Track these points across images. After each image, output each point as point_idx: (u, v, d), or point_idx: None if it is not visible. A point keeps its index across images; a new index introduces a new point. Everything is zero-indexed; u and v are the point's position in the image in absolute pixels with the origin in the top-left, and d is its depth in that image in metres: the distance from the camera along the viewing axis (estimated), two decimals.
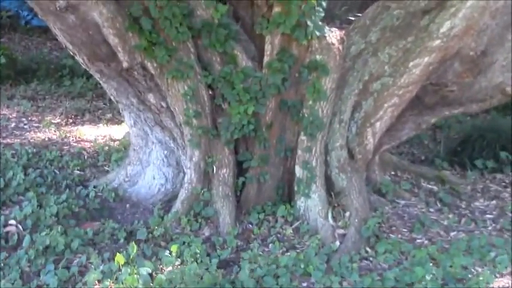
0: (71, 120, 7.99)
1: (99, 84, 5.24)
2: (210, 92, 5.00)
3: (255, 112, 4.84)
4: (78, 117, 8.15)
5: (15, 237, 4.51)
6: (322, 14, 4.74)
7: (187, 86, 4.81)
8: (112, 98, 5.33)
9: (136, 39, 4.67)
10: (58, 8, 4.40)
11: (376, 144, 5.08)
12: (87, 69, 5.04)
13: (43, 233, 4.47)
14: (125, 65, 4.72)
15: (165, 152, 5.37)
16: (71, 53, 4.95)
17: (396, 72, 4.84)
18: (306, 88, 4.84)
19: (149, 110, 5.16)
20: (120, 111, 5.58)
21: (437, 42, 4.63)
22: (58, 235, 4.43)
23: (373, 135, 5.00)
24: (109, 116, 8.25)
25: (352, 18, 5.31)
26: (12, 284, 4.00)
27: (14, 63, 9.95)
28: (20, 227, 4.62)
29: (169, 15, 4.65)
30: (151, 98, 5.05)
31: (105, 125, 7.88)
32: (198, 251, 4.36)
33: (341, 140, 4.99)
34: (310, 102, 4.84)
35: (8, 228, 4.59)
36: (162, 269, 4.20)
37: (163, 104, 5.06)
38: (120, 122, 7.83)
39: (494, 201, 5.62)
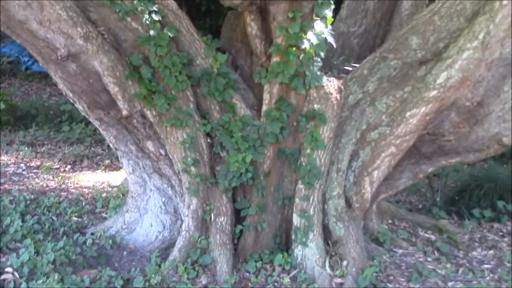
0: (69, 166, 8.00)
1: (98, 130, 5.27)
2: (209, 140, 5.02)
3: (253, 160, 4.86)
4: (77, 163, 8.17)
5: (12, 285, 4.48)
6: (320, 64, 4.81)
7: (186, 134, 4.85)
8: (111, 145, 5.36)
9: (136, 87, 4.72)
10: (59, 57, 4.46)
11: (373, 193, 5.09)
12: (87, 117, 5.08)
13: (40, 281, 4.45)
14: (125, 113, 4.76)
15: (163, 199, 5.37)
16: (71, 101, 5.00)
17: (393, 121, 4.88)
18: (304, 137, 4.88)
19: (148, 158, 5.18)
20: (119, 158, 5.59)
21: (434, 92, 4.68)
22: (55, 283, 4.41)
23: (370, 184, 5.01)
24: (107, 162, 8.27)
25: (350, 68, 5.37)
26: None
27: (14, 108, 10.01)
28: (17, 274, 4.59)
29: (169, 64, 4.71)
30: (150, 145, 5.08)
31: (104, 171, 7.90)
32: None
33: (338, 188, 5.01)
34: (308, 151, 4.87)
35: (4, 276, 4.56)
36: None
37: (162, 152, 5.08)
38: (118, 168, 7.85)
39: (492, 251, 5.61)
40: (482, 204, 6.50)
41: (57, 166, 7.94)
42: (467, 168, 7.91)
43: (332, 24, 4.84)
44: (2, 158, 8.08)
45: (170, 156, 5.02)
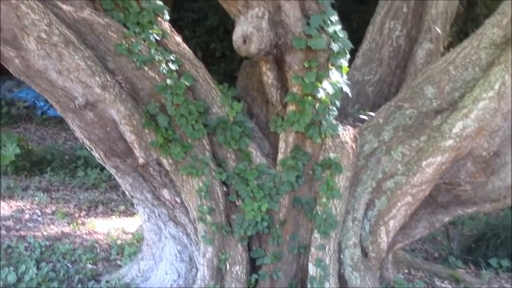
0: (84, 212, 8.01)
1: (113, 175, 5.30)
2: (224, 189, 5.03)
3: (269, 209, 4.86)
4: (92, 209, 8.18)
5: None
6: (336, 113, 4.82)
7: (201, 183, 4.86)
8: (127, 192, 5.37)
9: (152, 136, 4.75)
10: (77, 106, 4.50)
11: (389, 242, 5.06)
12: (103, 165, 5.11)
13: None
14: (141, 161, 4.79)
15: (178, 247, 5.36)
16: (88, 148, 5.03)
17: (409, 171, 4.87)
18: (320, 186, 4.88)
19: (163, 206, 5.19)
20: (134, 205, 5.61)
21: (450, 142, 4.68)
22: None
23: (386, 234, 4.98)
24: (122, 208, 8.27)
25: (365, 117, 5.38)
26: None
27: (30, 153, 10.07)
28: None
29: (186, 112, 4.75)
30: (166, 193, 5.09)
31: (118, 217, 7.90)
32: None
33: (354, 238, 4.98)
34: (324, 200, 4.86)
35: None
36: None
37: (178, 200, 5.09)
38: (133, 214, 7.86)
39: None
40: (500, 253, 6.43)
41: (72, 212, 7.95)
42: (483, 216, 7.85)
43: (347, 73, 4.87)
44: (18, 203, 8.11)
45: (186, 205, 5.02)
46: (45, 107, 13.29)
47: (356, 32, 10.78)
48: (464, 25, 9.42)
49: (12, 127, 12.57)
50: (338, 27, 4.67)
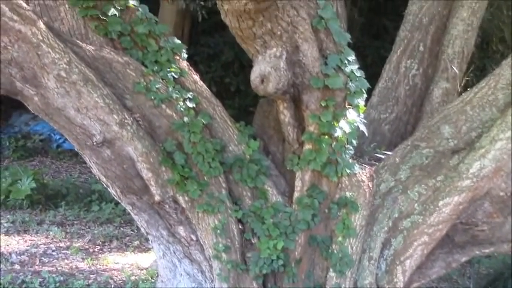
0: (98, 247, 8.03)
1: (127, 209, 5.31)
2: (240, 227, 5.02)
3: (285, 247, 4.84)
4: (106, 244, 8.20)
5: None
6: (352, 152, 4.83)
7: (217, 220, 4.85)
8: (142, 229, 5.36)
9: (169, 173, 4.76)
10: (95, 143, 4.53)
11: (405, 282, 5.01)
12: (119, 201, 5.12)
13: None
14: (157, 198, 4.79)
15: (193, 284, 5.34)
16: (104, 185, 5.05)
17: (426, 210, 4.85)
18: (336, 224, 4.86)
19: (179, 243, 5.18)
20: (149, 242, 5.60)
21: (467, 182, 4.66)
22: None
23: (403, 273, 4.95)
24: (136, 243, 8.29)
25: (381, 156, 5.38)
26: None
27: (45, 187, 10.13)
28: None
29: (202, 150, 4.76)
30: (181, 231, 5.08)
31: (133, 252, 7.91)
32: None
33: (370, 277, 4.94)
34: (340, 239, 4.84)
35: None
36: None
37: (193, 237, 5.08)
38: (147, 250, 7.86)
39: None
40: None
41: (87, 247, 7.97)
42: (500, 254, 7.78)
43: (364, 111, 4.88)
44: (33, 238, 8.13)
45: (201, 242, 5.01)
46: (61, 140, 13.38)
47: (371, 67, 10.88)
48: (481, 62, 9.43)
49: (28, 160, 12.67)
50: (355, 67, 4.70)
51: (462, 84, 6.11)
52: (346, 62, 4.67)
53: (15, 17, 4.17)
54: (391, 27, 12.90)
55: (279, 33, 4.40)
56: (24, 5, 4.31)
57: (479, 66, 9.39)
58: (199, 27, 14.19)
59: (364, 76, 4.74)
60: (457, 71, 5.79)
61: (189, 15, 13.17)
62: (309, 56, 4.53)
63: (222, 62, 13.64)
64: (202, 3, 11.19)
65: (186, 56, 5.00)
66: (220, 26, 4.13)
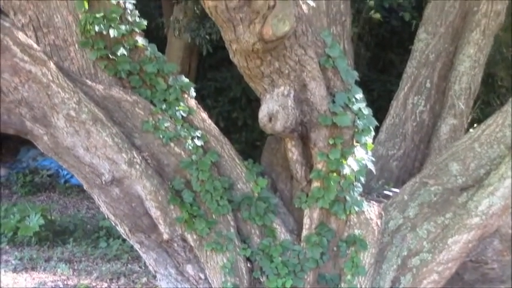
0: (106, 284, 8.00)
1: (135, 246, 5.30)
2: (249, 265, 5.00)
3: (293, 286, 4.82)
4: (113, 281, 8.17)
5: None
6: (361, 189, 4.83)
7: (226, 259, 4.84)
8: (150, 268, 5.35)
9: (177, 211, 4.76)
10: (104, 182, 4.55)
11: None
12: (128, 240, 5.12)
13: None
14: (166, 236, 4.79)
15: None
16: (113, 224, 5.05)
17: (435, 248, 4.83)
18: (345, 262, 4.84)
19: (187, 281, 5.16)
20: (158, 280, 5.58)
21: (476, 220, 4.65)
22: None
23: None
24: (144, 280, 8.25)
25: (389, 193, 5.37)
26: None
27: (52, 224, 10.12)
28: None
29: (211, 188, 4.77)
30: (189, 269, 5.07)
31: None
32: None
33: None
34: (349, 277, 4.82)
35: None
36: None
37: (202, 276, 5.06)
38: (154, 287, 7.82)
39: None
40: None
41: (94, 284, 7.94)
42: None
43: (372, 149, 4.89)
44: (40, 275, 8.12)
45: (210, 281, 4.99)
46: (68, 176, 13.39)
47: (377, 101, 10.91)
48: (486, 97, 9.45)
49: (35, 196, 12.67)
50: (363, 105, 4.72)
51: (469, 120, 6.12)
52: (353, 99, 4.69)
53: (26, 58, 4.22)
54: (397, 61, 12.94)
55: (286, 71, 4.43)
56: (35, 45, 4.36)
57: (484, 100, 9.40)
58: (206, 62, 14.26)
59: (371, 114, 4.76)
60: (464, 108, 5.80)
61: (196, 50, 13.26)
62: (317, 94, 4.56)
63: (229, 96, 13.68)
64: (207, 37, 11.27)
65: (194, 94, 5.03)
66: (228, 60, 4.19)
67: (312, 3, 4.59)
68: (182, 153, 4.79)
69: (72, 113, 4.35)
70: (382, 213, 4.94)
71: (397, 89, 6.34)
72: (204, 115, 5.03)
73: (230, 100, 13.68)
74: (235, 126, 13.51)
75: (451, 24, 6.03)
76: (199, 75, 14.23)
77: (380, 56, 13.63)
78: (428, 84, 6.05)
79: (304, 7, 4.47)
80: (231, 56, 4.39)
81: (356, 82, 4.77)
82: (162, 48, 13.03)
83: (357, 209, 4.78)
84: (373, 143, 4.94)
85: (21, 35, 4.29)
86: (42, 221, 9.56)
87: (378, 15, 9.82)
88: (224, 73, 13.91)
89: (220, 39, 4.23)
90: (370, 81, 12.47)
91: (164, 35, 13.36)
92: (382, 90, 12.33)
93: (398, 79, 6.46)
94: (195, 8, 10.92)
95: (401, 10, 10.25)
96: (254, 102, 4.43)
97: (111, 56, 4.71)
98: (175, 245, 4.93)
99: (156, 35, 13.40)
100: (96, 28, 4.58)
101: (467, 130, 6.10)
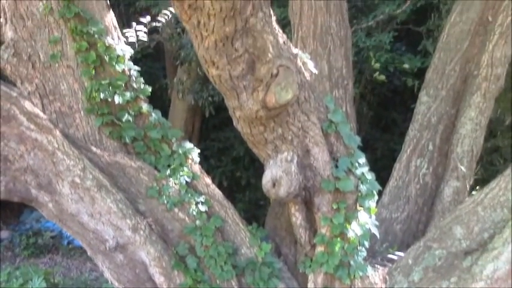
0: None
1: None
2: None
3: None
4: None
5: None
6: (365, 254, 4.82)
7: None
8: None
9: (181, 277, 4.74)
10: (108, 248, 4.55)
11: None
12: None
13: None
14: None
15: None
16: None
17: None
18: None
19: None
20: None
21: (481, 284, 4.62)
22: None
23: None
24: None
25: (393, 256, 5.36)
26: None
27: (56, 287, 10.07)
28: None
29: (215, 254, 4.77)
30: None
31: None
32: None
33: None
34: None
35: None
36: None
37: None
38: None
39: None
40: None
41: None
42: None
43: (375, 213, 4.90)
44: None
45: None
46: (71, 237, 13.35)
47: (380, 160, 10.94)
48: (489, 156, 9.48)
49: (38, 258, 12.62)
50: (366, 169, 4.75)
51: (473, 183, 6.15)
52: (356, 164, 4.72)
53: (32, 126, 4.28)
54: (399, 120, 13.03)
55: (290, 137, 4.47)
56: (41, 114, 4.43)
57: (487, 160, 9.42)
58: (209, 122, 14.39)
59: (374, 178, 4.79)
60: (466, 171, 5.83)
61: (200, 111, 13.37)
62: (320, 160, 4.59)
63: (233, 156, 13.73)
64: (210, 99, 11.40)
65: (198, 159, 5.06)
66: (230, 120, 4.25)
67: (315, 71, 4.65)
68: (186, 218, 4.81)
69: (77, 180, 4.38)
70: (387, 277, 4.92)
71: (400, 148, 6.39)
72: (208, 180, 5.06)
73: (233, 159, 13.73)
74: (239, 186, 13.53)
75: (452, 87, 6.11)
76: (202, 135, 14.33)
77: (382, 115, 13.73)
78: (430, 147, 6.09)
79: (307, 74, 4.53)
80: (234, 123, 4.45)
81: (359, 147, 4.81)
82: (166, 109, 13.23)
83: (361, 273, 4.76)
84: (376, 205, 4.96)
85: (27, 104, 4.36)
86: (44, 284, 9.49)
87: (382, 77, 9.94)
88: (227, 133, 13.99)
89: (223, 100, 4.29)
90: (373, 140, 12.53)
91: (168, 96, 13.51)
92: (385, 149, 12.38)
93: (401, 138, 6.51)
94: (199, 70, 11.07)
95: (404, 75, 10.43)
96: (257, 162, 4.49)
97: (116, 122, 4.76)
98: None
99: (160, 96, 13.56)
100: (102, 95, 4.65)
101: (471, 191, 6.12)
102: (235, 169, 13.68)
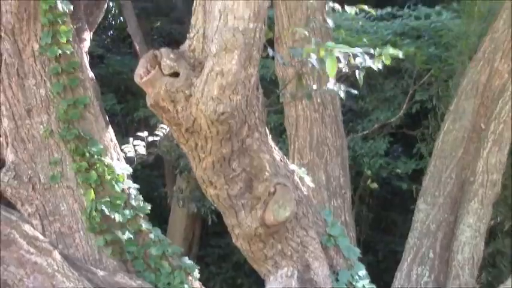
0: None
1: None
2: None
3: None
4: None
5: None
6: None
7: None
8: None
9: None
10: None
11: None
12: None
13: None
14: None
15: None
16: None
17: None
18: None
19: None
20: None
21: None
22: None
23: None
24: None
25: None
26: None
27: None
28: None
29: None
30: None
31: None
32: None
33: None
34: None
35: None
36: None
37: None
38: None
39: None
40: None
41: None
42: None
43: None
44: None
45: None
46: None
47: (382, 262, 10.85)
48: (491, 258, 9.41)
49: None
50: (366, 282, 4.73)
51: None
52: (357, 277, 4.71)
53: (32, 250, 4.29)
54: (400, 220, 12.98)
55: (289, 253, 4.47)
56: (41, 236, 4.45)
57: (490, 263, 9.35)
58: (210, 229, 14.32)
59: None
60: (468, 278, 5.80)
61: (200, 218, 13.35)
62: (320, 274, 4.57)
63: (233, 262, 13.62)
64: (212, 207, 11.41)
65: (198, 275, 5.04)
66: None
67: (312, 185, 4.70)
68: None
69: None
70: None
71: (401, 250, 6.37)
72: None
73: (234, 266, 13.60)
74: None
75: (449, 194, 6.16)
76: (202, 242, 14.26)
77: (382, 216, 13.70)
78: (431, 255, 6.08)
79: (304, 189, 4.58)
80: (234, 240, 4.46)
81: (359, 259, 4.81)
82: (166, 216, 13.21)
83: None
84: None
85: (27, 227, 4.39)
86: None
87: (375, 185, 10.05)
88: (227, 239, 13.86)
89: None
90: (373, 242, 12.46)
91: (168, 204, 13.53)
92: (386, 251, 12.29)
93: (402, 239, 6.51)
94: None
95: (399, 179, 10.51)
96: None
97: (117, 239, 4.78)
98: None
99: (159, 204, 13.57)
100: (101, 214, 4.68)
101: None
102: (236, 276, 13.53)
